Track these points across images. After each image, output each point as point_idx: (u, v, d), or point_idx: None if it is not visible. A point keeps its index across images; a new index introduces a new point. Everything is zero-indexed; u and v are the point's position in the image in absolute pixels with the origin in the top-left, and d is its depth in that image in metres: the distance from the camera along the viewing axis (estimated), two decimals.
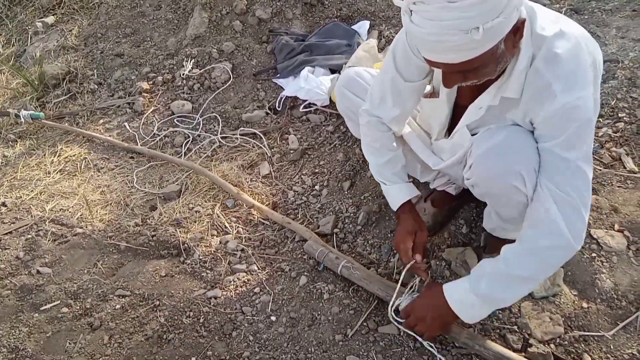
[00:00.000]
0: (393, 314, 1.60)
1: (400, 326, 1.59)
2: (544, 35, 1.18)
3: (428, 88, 1.53)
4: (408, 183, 1.69)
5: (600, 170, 1.96)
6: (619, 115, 2.18)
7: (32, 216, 2.36)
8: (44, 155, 2.83)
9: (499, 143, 1.30)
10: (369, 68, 1.88)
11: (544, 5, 1.24)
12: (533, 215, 1.30)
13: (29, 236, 2.21)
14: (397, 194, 1.68)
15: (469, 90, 1.35)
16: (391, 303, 1.60)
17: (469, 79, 1.19)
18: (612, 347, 1.51)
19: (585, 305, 1.62)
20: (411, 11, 1.08)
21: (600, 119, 2.19)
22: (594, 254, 1.71)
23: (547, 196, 1.24)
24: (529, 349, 1.51)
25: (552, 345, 1.53)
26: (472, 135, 1.41)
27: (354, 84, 1.78)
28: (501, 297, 1.36)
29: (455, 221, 1.92)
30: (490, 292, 1.34)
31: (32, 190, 2.55)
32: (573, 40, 1.18)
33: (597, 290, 1.64)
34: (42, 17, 4.11)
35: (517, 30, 1.12)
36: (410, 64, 1.45)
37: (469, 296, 1.37)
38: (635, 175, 1.93)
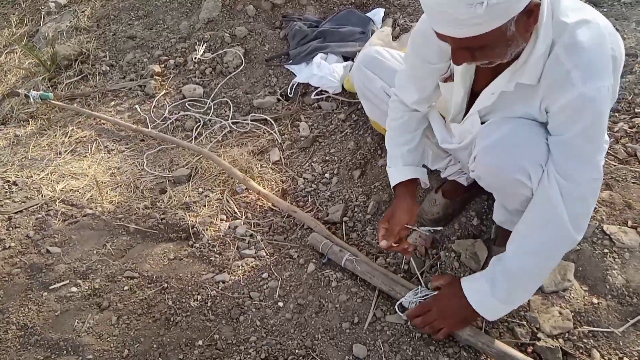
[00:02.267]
0: (399, 310, 1.59)
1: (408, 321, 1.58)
2: (566, 22, 1.15)
3: (447, 73, 1.52)
4: (411, 167, 1.66)
5: (615, 165, 1.93)
6: (636, 110, 2.14)
7: (42, 196, 2.37)
8: (55, 135, 2.83)
9: (503, 136, 1.28)
10: (389, 48, 1.86)
11: None
12: (536, 203, 1.29)
13: (39, 215, 2.22)
14: (392, 175, 1.67)
15: (484, 77, 1.33)
16: (401, 303, 1.60)
17: (477, 59, 1.17)
18: (621, 343, 1.50)
19: (595, 300, 1.60)
20: None
21: (616, 114, 2.15)
22: (606, 250, 1.69)
23: (554, 186, 1.23)
24: (537, 342, 1.50)
25: (560, 340, 1.52)
26: (482, 123, 1.39)
27: (374, 62, 1.77)
28: (520, 298, 1.41)
29: (466, 213, 1.91)
30: (509, 296, 1.37)
31: (42, 170, 2.56)
32: (596, 30, 1.16)
33: (607, 286, 1.62)
34: None
35: (531, 13, 1.09)
36: (429, 45, 1.42)
37: (490, 299, 1.39)
38: None
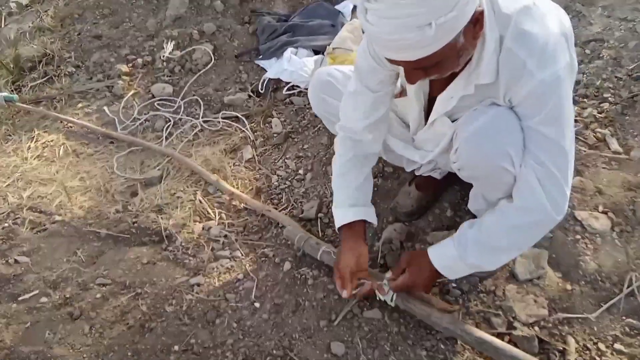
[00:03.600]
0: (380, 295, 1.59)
1: (389, 302, 1.57)
2: (509, 14, 1.16)
3: (398, 87, 1.52)
4: (358, 207, 1.63)
5: (585, 151, 1.95)
6: (604, 95, 2.17)
7: (9, 204, 2.30)
8: (21, 140, 2.75)
9: (484, 125, 1.27)
10: (340, 65, 1.83)
11: None
12: (516, 191, 1.31)
13: (6, 224, 2.16)
14: (337, 217, 1.65)
15: (439, 82, 1.33)
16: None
17: (431, 74, 1.18)
18: (596, 328, 1.52)
19: (569, 287, 1.62)
20: (366, 10, 1.06)
21: (585, 100, 2.17)
22: (578, 236, 1.71)
23: (530, 173, 1.25)
24: (513, 332, 1.51)
25: (536, 328, 1.54)
26: (453, 121, 1.39)
27: (328, 86, 1.73)
28: (487, 265, 1.42)
29: (440, 204, 1.91)
30: (477, 261, 1.39)
31: (8, 177, 2.48)
32: (539, 13, 1.16)
33: (581, 272, 1.64)
34: None
35: (477, 21, 1.10)
36: (375, 75, 1.44)
37: (457, 263, 1.41)
38: (619, 156, 1.92)
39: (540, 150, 1.23)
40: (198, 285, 1.82)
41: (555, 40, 1.16)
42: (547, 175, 1.24)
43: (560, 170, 1.24)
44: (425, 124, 1.49)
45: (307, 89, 2.63)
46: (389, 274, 1.57)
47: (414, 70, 1.16)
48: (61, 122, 2.83)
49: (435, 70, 1.16)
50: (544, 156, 1.23)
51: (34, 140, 2.73)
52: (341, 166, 1.65)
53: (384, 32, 1.06)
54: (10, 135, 2.83)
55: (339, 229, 1.65)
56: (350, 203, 1.63)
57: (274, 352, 1.57)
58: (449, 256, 1.43)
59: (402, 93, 1.48)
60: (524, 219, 1.31)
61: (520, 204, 1.30)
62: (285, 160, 2.35)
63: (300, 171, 2.27)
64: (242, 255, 1.94)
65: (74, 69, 3.19)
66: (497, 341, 1.44)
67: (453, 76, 1.27)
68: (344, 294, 1.56)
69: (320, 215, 2.03)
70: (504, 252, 1.39)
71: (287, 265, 1.82)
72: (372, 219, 1.66)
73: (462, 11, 1.03)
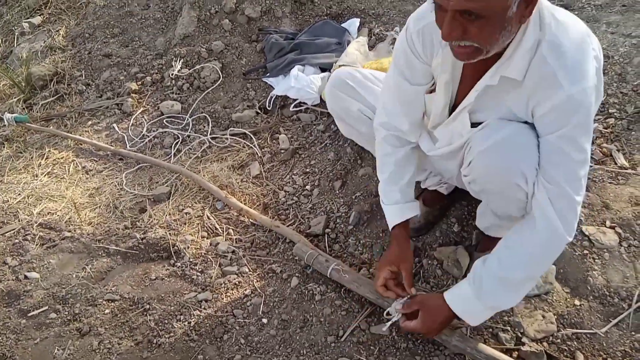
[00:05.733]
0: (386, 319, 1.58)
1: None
2: (550, 24, 1.17)
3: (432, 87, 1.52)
4: (406, 204, 1.62)
5: (592, 166, 1.95)
6: (610, 111, 2.18)
7: (19, 220, 2.33)
8: (32, 157, 2.79)
9: (501, 140, 1.27)
10: (360, 67, 1.85)
11: None
12: (528, 214, 1.30)
13: (16, 241, 2.18)
14: (392, 214, 1.63)
15: (467, 84, 1.33)
16: (388, 323, 1.56)
17: (470, 33, 1.11)
18: (604, 344, 1.51)
19: (577, 302, 1.61)
20: None
21: None
22: (585, 251, 1.71)
23: (543, 194, 1.24)
24: (522, 347, 1.50)
25: (545, 344, 1.53)
26: (472, 126, 1.38)
27: (347, 86, 1.75)
28: (505, 302, 1.39)
29: (447, 220, 1.91)
30: (495, 300, 1.36)
31: (19, 194, 2.52)
32: (577, 33, 1.18)
33: (589, 288, 1.63)
34: (28, 18, 4.05)
35: (530, 3, 1.10)
36: (413, 68, 1.44)
37: (475, 304, 1.37)
38: (626, 171, 1.92)
39: (555, 167, 1.22)
40: (206, 301, 1.83)
41: (587, 60, 1.17)
42: (561, 195, 1.23)
43: (574, 189, 1.23)
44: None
45: (314, 105, 2.66)
46: (398, 305, 1.53)
47: (456, 18, 1.10)
48: (71, 139, 2.87)
49: (476, 30, 1.11)
50: (559, 174, 1.22)
51: (45, 157, 2.77)
52: (389, 164, 1.62)
53: None
54: (21, 153, 2.87)
55: (393, 227, 1.64)
56: (405, 199, 1.62)
57: None
58: (465, 297, 1.39)
59: (433, 90, 1.47)
60: (535, 241, 1.28)
61: (531, 224, 1.29)
62: (293, 176, 2.36)
63: (308, 187, 2.28)
64: (249, 270, 1.94)
65: (84, 87, 3.25)
66: (505, 358, 1.43)
67: (481, 74, 1.27)
68: (391, 294, 1.56)
69: (327, 230, 2.04)
70: (520, 284, 1.35)
71: (294, 281, 1.82)
72: (416, 211, 1.65)
73: None
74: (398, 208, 1.62)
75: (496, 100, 1.30)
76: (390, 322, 1.54)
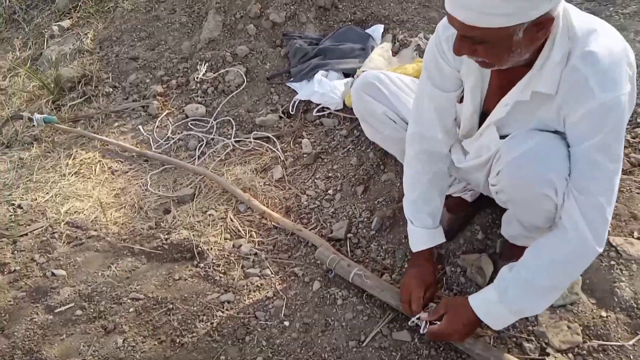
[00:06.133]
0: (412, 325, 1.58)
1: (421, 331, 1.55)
2: (580, 34, 1.16)
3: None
4: (435, 229, 1.63)
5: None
6: (637, 120, 2.15)
7: (47, 218, 2.38)
8: (59, 157, 2.85)
9: (530, 150, 1.26)
10: (386, 71, 1.86)
11: None
12: (557, 221, 1.29)
13: (44, 238, 2.23)
14: (420, 239, 1.64)
15: (495, 92, 1.33)
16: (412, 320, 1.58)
17: (477, 52, 1.16)
18: (632, 357, 1.48)
19: (604, 314, 1.59)
20: None
21: None
22: (612, 262, 1.68)
23: (573, 204, 1.23)
24: (546, 358, 1.49)
25: (570, 355, 1.51)
26: (501, 138, 1.38)
27: (373, 88, 1.76)
28: (529, 308, 1.37)
29: (471, 227, 1.90)
30: (520, 304, 1.35)
31: (47, 193, 2.57)
32: (608, 39, 1.16)
33: (616, 299, 1.61)
34: (58, 21, 4.15)
35: (542, 27, 1.10)
36: (443, 74, 1.44)
37: (499, 308, 1.37)
38: None
39: (587, 177, 1.21)
40: (228, 302, 1.85)
41: (620, 67, 1.15)
42: (592, 205, 1.21)
43: (607, 199, 1.21)
44: (476, 133, 1.47)
45: (337, 110, 2.67)
46: (424, 314, 1.54)
47: (464, 38, 1.15)
48: (98, 140, 2.92)
49: (482, 51, 1.15)
50: (591, 184, 1.21)
51: (72, 157, 2.83)
52: (417, 185, 1.61)
53: None
54: (49, 153, 2.93)
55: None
56: (434, 224, 1.63)
57: None
58: (490, 301, 1.38)
59: (460, 101, 1.48)
60: (564, 251, 1.27)
61: (561, 235, 1.27)
62: (315, 180, 2.37)
63: (330, 191, 2.29)
64: (271, 273, 1.95)
65: (111, 89, 3.30)
66: None
67: (509, 88, 1.27)
68: (405, 309, 1.59)
69: (349, 235, 2.05)
70: (546, 291, 1.34)
71: (316, 285, 1.83)
72: (439, 239, 1.65)
73: (535, 3, 1.04)
74: (428, 233, 1.62)
75: (527, 114, 1.30)
76: (416, 322, 1.54)
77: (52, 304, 1.91)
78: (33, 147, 3.00)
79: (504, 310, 1.36)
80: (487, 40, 1.11)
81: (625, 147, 2.04)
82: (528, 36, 1.10)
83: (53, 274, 2.04)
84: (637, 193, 1.87)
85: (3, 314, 1.90)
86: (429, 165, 1.59)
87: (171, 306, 1.85)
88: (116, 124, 3.05)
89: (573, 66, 1.16)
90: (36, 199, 2.53)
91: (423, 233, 1.63)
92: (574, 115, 1.19)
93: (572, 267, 1.30)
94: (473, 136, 1.47)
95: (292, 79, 2.94)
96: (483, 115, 1.43)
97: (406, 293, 1.59)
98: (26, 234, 2.27)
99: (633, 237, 1.74)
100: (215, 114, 2.90)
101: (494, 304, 1.37)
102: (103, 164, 2.75)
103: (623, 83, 1.15)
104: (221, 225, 2.21)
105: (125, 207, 2.43)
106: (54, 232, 2.27)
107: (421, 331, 1.53)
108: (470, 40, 1.14)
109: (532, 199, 1.30)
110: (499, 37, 1.09)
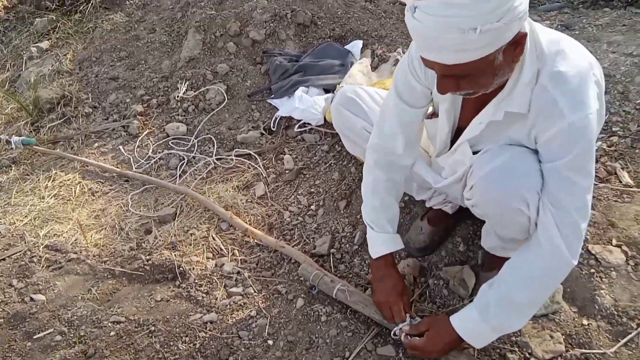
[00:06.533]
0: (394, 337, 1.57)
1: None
2: (548, 53, 1.19)
3: (429, 109, 1.54)
4: (395, 235, 1.65)
5: (596, 184, 1.96)
6: (613, 129, 2.19)
7: (25, 242, 2.33)
8: (38, 180, 2.81)
9: (502, 165, 1.28)
10: (365, 86, 1.88)
11: (535, 21, 1.24)
12: (533, 238, 1.30)
13: (22, 263, 2.18)
14: (382, 244, 1.64)
15: (469, 111, 1.35)
16: (394, 332, 1.57)
17: (462, 88, 1.18)
18: None
19: (585, 322, 1.60)
20: (415, 8, 1.08)
21: None
22: (592, 270, 1.70)
23: (549, 218, 1.25)
24: None
25: None
26: (474, 153, 1.40)
27: (352, 103, 1.78)
28: (509, 324, 1.37)
29: (452, 239, 1.91)
30: (501, 321, 1.35)
31: (25, 216, 2.53)
32: (576, 59, 1.19)
33: (597, 307, 1.62)
34: (36, 42, 4.13)
35: (518, 44, 1.12)
36: (412, 90, 1.46)
37: (481, 326, 1.37)
38: (631, 189, 1.92)
39: (560, 193, 1.23)
40: (211, 322, 1.82)
41: (588, 86, 1.18)
42: (568, 220, 1.23)
43: (581, 215, 1.23)
44: (450, 149, 1.49)
45: (318, 126, 2.68)
46: (405, 326, 1.54)
47: (446, 78, 1.16)
48: (77, 161, 2.89)
49: (467, 84, 1.16)
50: (566, 200, 1.23)
51: (51, 179, 2.79)
52: (377, 191, 1.63)
53: (428, 29, 1.06)
54: (28, 175, 2.89)
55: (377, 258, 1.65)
56: (393, 229, 1.64)
57: None
58: (471, 320, 1.39)
59: (434, 115, 1.49)
60: (540, 265, 1.29)
61: (536, 249, 1.29)
62: (297, 196, 2.37)
63: (312, 207, 2.29)
64: (254, 291, 1.94)
65: (91, 110, 3.29)
66: None
67: (483, 105, 1.29)
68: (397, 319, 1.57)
69: (332, 250, 2.04)
70: (526, 307, 1.35)
71: (299, 302, 1.82)
72: (398, 245, 1.66)
73: (509, 25, 1.04)
74: (389, 237, 1.64)
75: (499, 132, 1.33)
76: (398, 332, 1.54)
77: (31, 330, 1.87)
78: (11, 170, 2.96)
79: (486, 329, 1.37)
80: (469, 73, 1.13)
81: (601, 155, 2.08)
82: (508, 56, 1.12)
83: (32, 299, 2.00)
84: (615, 201, 1.90)
85: None
86: (387, 173, 1.62)
87: (153, 328, 1.82)
88: (96, 144, 3.03)
89: (542, 86, 1.19)
90: (14, 223, 2.49)
91: (385, 237, 1.64)
92: (545, 135, 1.22)
93: (549, 280, 1.32)
94: (447, 152, 1.49)
95: (272, 96, 2.95)
96: (457, 130, 1.44)
97: (387, 311, 1.59)
98: (4, 259, 2.22)
99: (612, 244, 1.76)
100: (196, 132, 2.89)
101: (476, 322, 1.37)
102: (83, 185, 2.72)
103: (591, 102, 1.17)
104: (203, 245, 2.19)
105: (105, 228, 2.40)
106: (32, 256, 2.23)
107: (402, 339, 1.53)
108: (453, 78, 1.16)
109: (505, 213, 1.32)
110: (481, 67, 1.11)
